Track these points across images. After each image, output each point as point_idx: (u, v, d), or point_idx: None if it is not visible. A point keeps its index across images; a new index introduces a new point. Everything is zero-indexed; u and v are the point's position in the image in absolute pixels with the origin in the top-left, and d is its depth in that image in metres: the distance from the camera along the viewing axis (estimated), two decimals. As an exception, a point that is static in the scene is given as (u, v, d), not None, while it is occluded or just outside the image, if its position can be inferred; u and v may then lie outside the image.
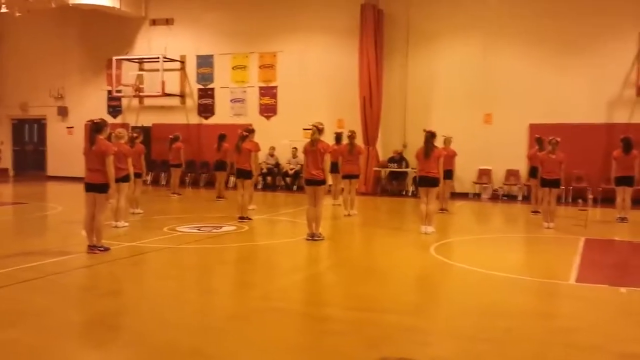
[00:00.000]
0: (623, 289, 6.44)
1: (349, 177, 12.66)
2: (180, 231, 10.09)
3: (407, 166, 17.37)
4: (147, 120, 20.83)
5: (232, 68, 19.96)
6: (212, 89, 20.28)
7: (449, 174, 12.80)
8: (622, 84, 15.96)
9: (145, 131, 16.52)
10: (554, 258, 8.60)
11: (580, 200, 15.13)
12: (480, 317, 5.51)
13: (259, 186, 18.13)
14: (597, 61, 16.01)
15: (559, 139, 11.09)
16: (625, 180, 12.04)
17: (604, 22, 15.92)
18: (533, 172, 12.49)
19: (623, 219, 11.94)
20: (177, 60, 20.32)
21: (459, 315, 5.61)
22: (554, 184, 10.97)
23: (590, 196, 15.04)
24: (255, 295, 6.31)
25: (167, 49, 20.03)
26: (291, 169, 18.48)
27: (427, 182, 10.14)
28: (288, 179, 18.62)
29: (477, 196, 17.02)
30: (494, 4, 16.87)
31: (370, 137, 17.68)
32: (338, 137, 13.16)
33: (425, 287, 7.12)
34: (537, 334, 5.06)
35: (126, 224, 10.36)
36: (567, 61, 16.32)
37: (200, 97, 20.47)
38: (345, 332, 4.99)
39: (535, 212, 12.66)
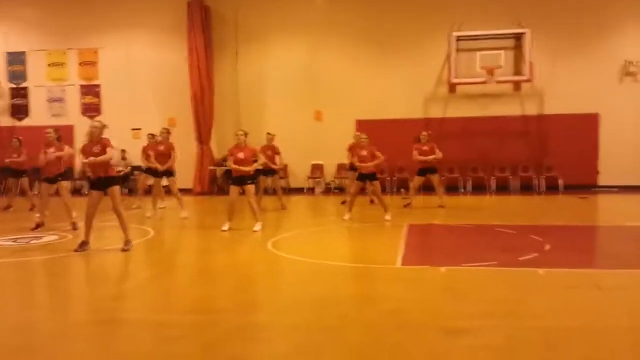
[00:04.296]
0: (443, 269, 6.96)
1: (163, 174, 12.44)
2: (-8, 245, 9.07)
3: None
4: (-51, 123, 18.54)
5: (48, 65, 18.45)
6: (25, 88, 18.58)
7: (272, 172, 13.05)
8: (435, 82, 17.38)
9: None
10: (381, 244, 9.07)
11: (402, 190, 16.22)
12: (315, 306, 5.62)
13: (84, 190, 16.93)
14: (414, 61, 17.28)
15: (365, 136, 11.60)
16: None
17: (420, 26, 17.24)
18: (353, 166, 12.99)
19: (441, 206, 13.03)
20: (-18, 57, 18.31)
21: (294, 307, 5.67)
22: (369, 177, 11.50)
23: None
24: (82, 309, 5.86)
25: (-30, 44, 17.97)
26: (119, 172, 17.42)
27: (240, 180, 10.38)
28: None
29: (311, 190, 17.50)
30: (321, 7, 17.44)
31: (203, 136, 17.38)
32: (151, 136, 13.07)
33: (261, 282, 7.10)
34: (369, 317, 5.28)
35: None
36: (388, 61, 17.40)
37: (12, 97, 18.65)
38: (180, 337, 4.79)
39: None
